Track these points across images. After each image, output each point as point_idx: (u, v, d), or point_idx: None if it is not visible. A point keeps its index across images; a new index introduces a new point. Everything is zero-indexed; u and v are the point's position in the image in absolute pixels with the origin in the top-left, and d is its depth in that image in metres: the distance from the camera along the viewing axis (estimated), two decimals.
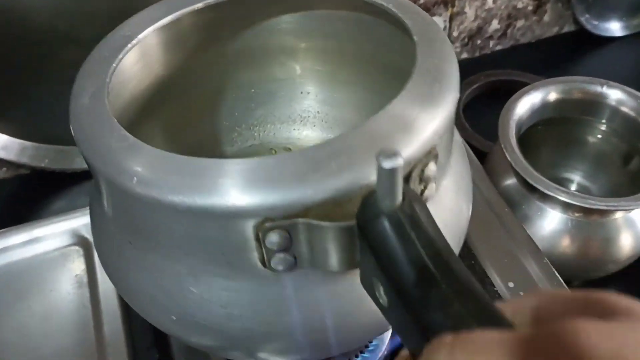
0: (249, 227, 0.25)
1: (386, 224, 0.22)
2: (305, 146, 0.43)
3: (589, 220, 0.49)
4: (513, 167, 0.48)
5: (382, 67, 0.39)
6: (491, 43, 0.75)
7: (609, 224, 0.49)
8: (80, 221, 0.51)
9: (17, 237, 0.50)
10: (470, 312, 0.20)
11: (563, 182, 0.58)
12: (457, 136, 0.35)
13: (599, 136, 0.54)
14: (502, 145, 0.48)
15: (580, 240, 0.50)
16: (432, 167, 0.27)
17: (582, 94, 0.51)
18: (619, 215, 0.49)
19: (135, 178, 0.25)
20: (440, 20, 0.70)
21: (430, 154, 0.27)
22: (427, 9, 0.68)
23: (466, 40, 0.73)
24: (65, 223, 0.51)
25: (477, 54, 0.76)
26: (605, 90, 0.51)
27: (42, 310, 0.46)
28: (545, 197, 0.48)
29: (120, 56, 0.32)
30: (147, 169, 0.26)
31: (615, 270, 0.51)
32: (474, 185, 0.49)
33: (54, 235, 0.50)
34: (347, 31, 0.39)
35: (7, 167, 0.62)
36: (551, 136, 0.56)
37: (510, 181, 0.51)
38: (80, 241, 0.51)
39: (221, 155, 0.45)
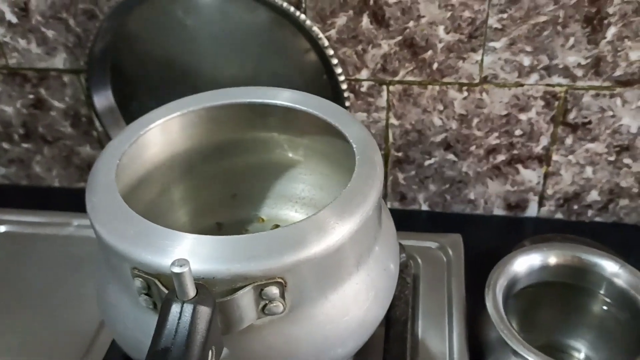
0: (127, 267, 0.38)
1: (173, 308, 0.33)
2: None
3: None
4: (490, 315, 0.51)
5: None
6: (589, 212, 0.77)
7: None
8: None
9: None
10: None
11: (567, 349, 0.58)
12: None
13: (603, 307, 0.55)
14: (485, 292, 0.53)
15: None
16: (272, 290, 0.37)
17: (580, 262, 0.53)
18: None
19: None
20: (533, 175, 0.74)
21: (272, 281, 0.36)
22: (520, 160, 0.73)
23: (561, 201, 0.76)
24: None
25: (573, 219, 0.78)
26: (600, 261, 0.52)
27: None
28: (518, 355, 0.50)
29: (131, 142, 0.46)
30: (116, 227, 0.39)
31: None
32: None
33: None
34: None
35: None
36: (557, 300, 0.57)
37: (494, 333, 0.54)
38: None
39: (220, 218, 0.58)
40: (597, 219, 0.77)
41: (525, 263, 0.55)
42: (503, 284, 0.53)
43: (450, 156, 0.75)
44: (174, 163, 0.51)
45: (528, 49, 0.65)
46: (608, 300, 0.54)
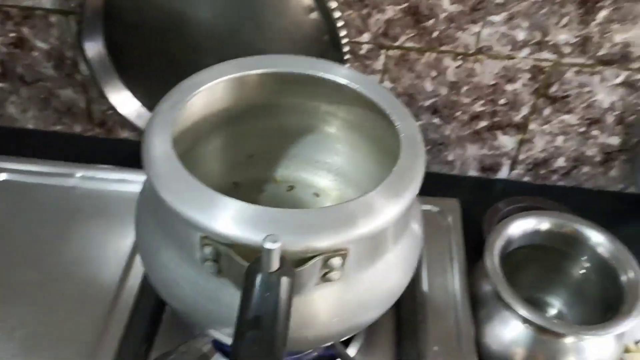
0: (195, 235, 0.39)
1: (257, 279, 0.35)
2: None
3: (542, 338, 0.56)
4: (488, 273, 0.57)
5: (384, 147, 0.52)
6: (554, 177, 0.83)
7: (559, 345, 0.56)
8: None
9: (114, 175, 0.67)
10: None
11: (543, 304, 0.65)
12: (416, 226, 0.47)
13: (581, 271, 0.62)
14: (484, 254, 0.58)
15: (529, 352, 0.57)
16: (336, 260, 0.40)
17: (568, 229, 0.60)
18: (569, 340, 0.55)
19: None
20: (510, 141, 0.80)
21: (338, 252, 0.39)
22: (500, 127, 0.78)
23: (531, 166, 0.82)
24: None
25: (538, 182, 0.84)
26: (586, 231, 0.59)
27: (100, 238, 0.62)
28: (509, 308, 0.56)
29: (188, 99, 0.47)
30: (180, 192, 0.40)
31: None
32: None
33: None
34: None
35: (137, 132, 0.80)
36: (540, 261, 0.64)
37: (489, 287, 0.60)
38: None
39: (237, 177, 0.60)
40: (560, 183, 0.84)
41: (520, 227, 0.60)
42: (500, 245, 0.59)
43: (436, 120, 0.78)
44: (205, 123, 0.52)
45: (524, 24, 0.68)
46: (588, 265, 0.61)
